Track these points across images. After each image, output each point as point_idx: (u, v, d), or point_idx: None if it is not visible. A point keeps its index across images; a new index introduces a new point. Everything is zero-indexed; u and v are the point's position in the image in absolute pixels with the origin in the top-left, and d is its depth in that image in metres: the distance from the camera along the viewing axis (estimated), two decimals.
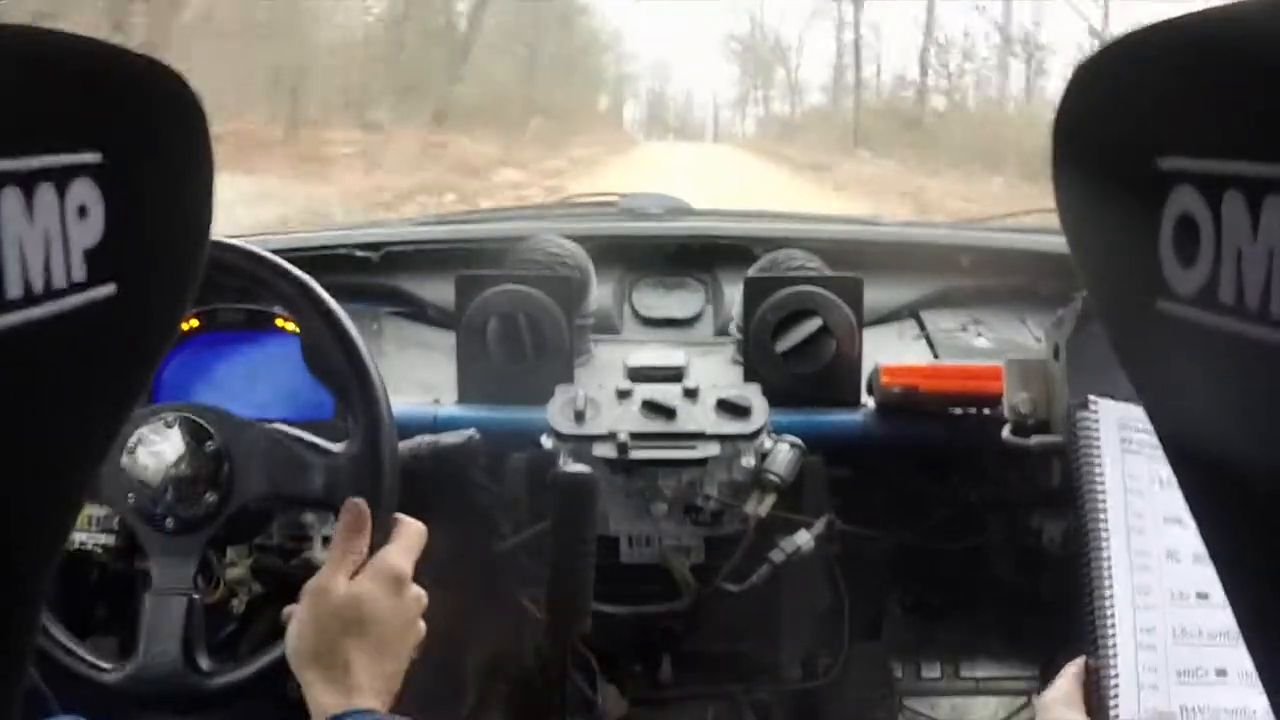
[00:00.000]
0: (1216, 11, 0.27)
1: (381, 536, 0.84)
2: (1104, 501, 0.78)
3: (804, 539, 1.14)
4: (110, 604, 1.24)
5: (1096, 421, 0.81)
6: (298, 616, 0.80)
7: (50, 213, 0.31)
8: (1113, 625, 0.75)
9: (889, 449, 1.23)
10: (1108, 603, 0.75)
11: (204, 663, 0.88)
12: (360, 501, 0.83)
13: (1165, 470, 0.77)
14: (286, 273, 0.88)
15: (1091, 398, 0.83)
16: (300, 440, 0.90)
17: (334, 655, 0.77)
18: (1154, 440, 0.82)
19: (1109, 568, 0.76)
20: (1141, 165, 0.30)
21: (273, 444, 0.90)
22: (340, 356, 0.87)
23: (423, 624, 0.83)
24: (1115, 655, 0.74)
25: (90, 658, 0.89)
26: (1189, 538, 0.77)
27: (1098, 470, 0.80)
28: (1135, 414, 0.82)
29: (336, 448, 0.89)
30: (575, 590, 0.98)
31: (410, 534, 0.85)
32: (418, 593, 0.83)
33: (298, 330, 0.90)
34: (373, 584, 0.80)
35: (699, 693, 1.36)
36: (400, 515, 0.86)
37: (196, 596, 0.90)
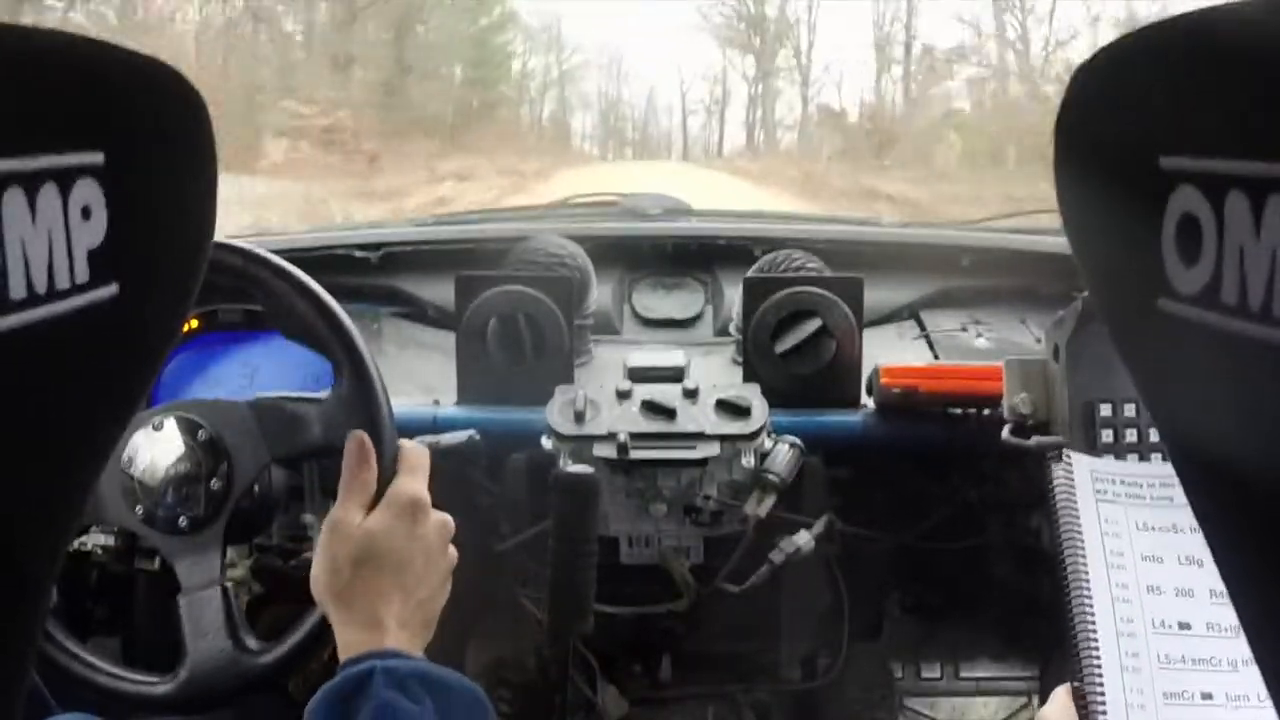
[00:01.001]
0: (1219, 10, 0.27)
1: (389, 465, 0.82)
2: (1081, 544, 0.82)
3: (804, 539, 1.14)
4: (111, 605, 1.24)
5: (1071, 471, 0.86)
6: (317, 554, 0.78)
7: (53, 213, 0.31)
8: (1096, 652, 0.77)
9: (889, 449, 1.23)
10: (1091, 631, 0.78)
11: (252, 642, 0.87)
12: (361, 433, 0.81)
13: (1141, 515, 0.82)
14: (236, 248, 0.87)
15: (1066, 452, 0.87)
16: (286, 398, 0.89)
17: (355, 593, 0.75)
18: (1127, 490, 0.87)
19: (1090, 601, 0.79)
20: (1144, 165, 0.30)
21: (261, 412, 0.90)
22: (302, 305, 0.86)
23: (453, 550, 0.81)
24: (1101, 680, 0.76)
25: (138, 676, 0.88)
26: (1169, 573, 0.80)
27: (1074, 517, 0.83)
28: (1108, 467, 0.86)
29: (324, 394, 0.88)
30: (577, 591, 0.97)
31: (417, 459, 0.83)
32: (440, 518, 0.80)
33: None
34: (388, 517, 0.77)
35: (699, 693, 1.36)
36: (402, 441, 0.84)
37: (228, 584, 0.89)
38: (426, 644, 0.77)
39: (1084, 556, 0.81)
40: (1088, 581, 0.80)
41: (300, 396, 0.89)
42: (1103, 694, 0.75)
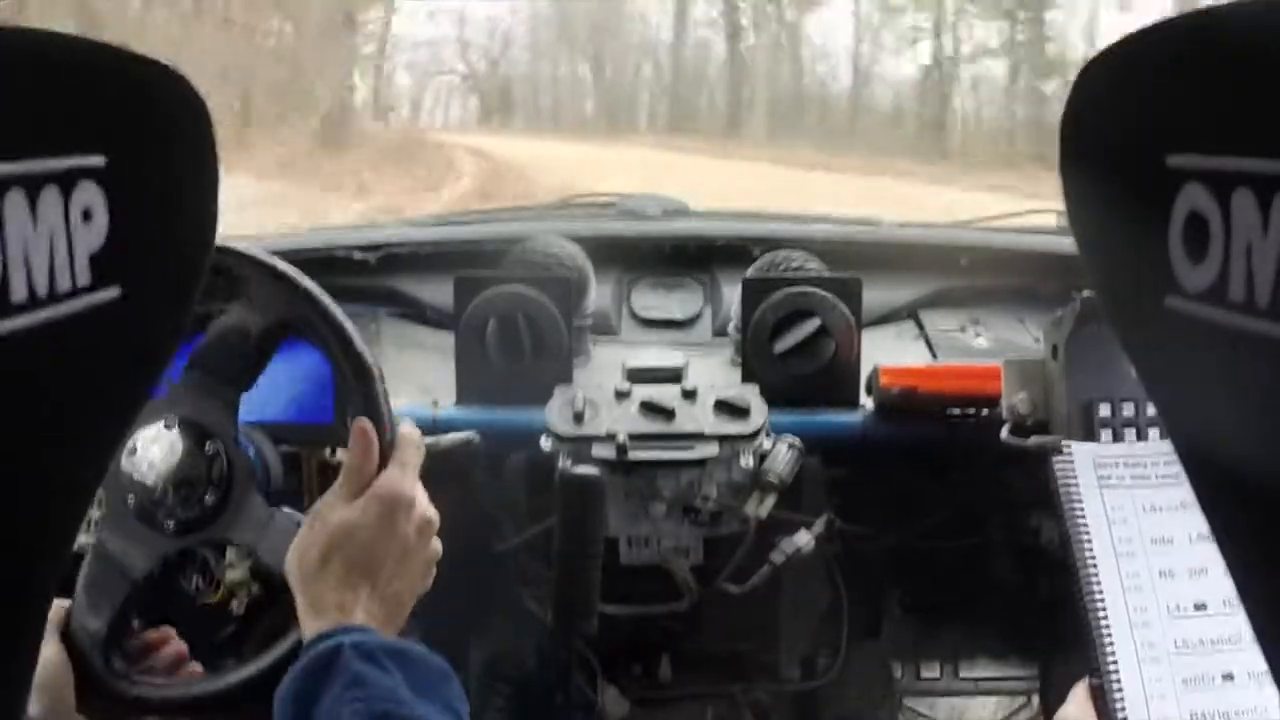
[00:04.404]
0: (1225, 8, 0.27)
1: (387, 445, 0.81)
2: (1088, 534, 0.82)
3: (803, 539, 1.14)
4: None
5: (1072, 463, 0.85)
6: (296, 540, 0.78)
7: (54, 216, 0.31)
8: (1111, 646, 0.77)
9: (888, 449, 1.23)
10: (1104, 625, 0.78)
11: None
12: (366, 421, 0.80)
13: (1149, 497, 0.81)
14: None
15: (1065, 443, 0.87)
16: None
17: (321, 582, 0.75)
18: (1131, 472, 0.86)
19: (1100, 594, 0.80)
20: (1150, 162, 0.30)
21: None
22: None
23: (437, 543, 0.81)
24: (1117, 674, 0.76)
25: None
26: (1180, 555, 0.80)
27: (1078, 507, 0.83)
28: (1109, 451, 0.86)
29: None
30: (582, 592, 0.97)
31: (408, 453, 0.82)
32: (423, 514, 0.80)
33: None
34: (366, 511, 0.77)
35: (699, 693, 1.36)
36: (403, 429, 0.83)
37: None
38: (396, 633, 0.77)
39: (1091, 550, 0.80)
40: (1097, 576, 0.79)
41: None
42: (1120, 688, 0.75)
